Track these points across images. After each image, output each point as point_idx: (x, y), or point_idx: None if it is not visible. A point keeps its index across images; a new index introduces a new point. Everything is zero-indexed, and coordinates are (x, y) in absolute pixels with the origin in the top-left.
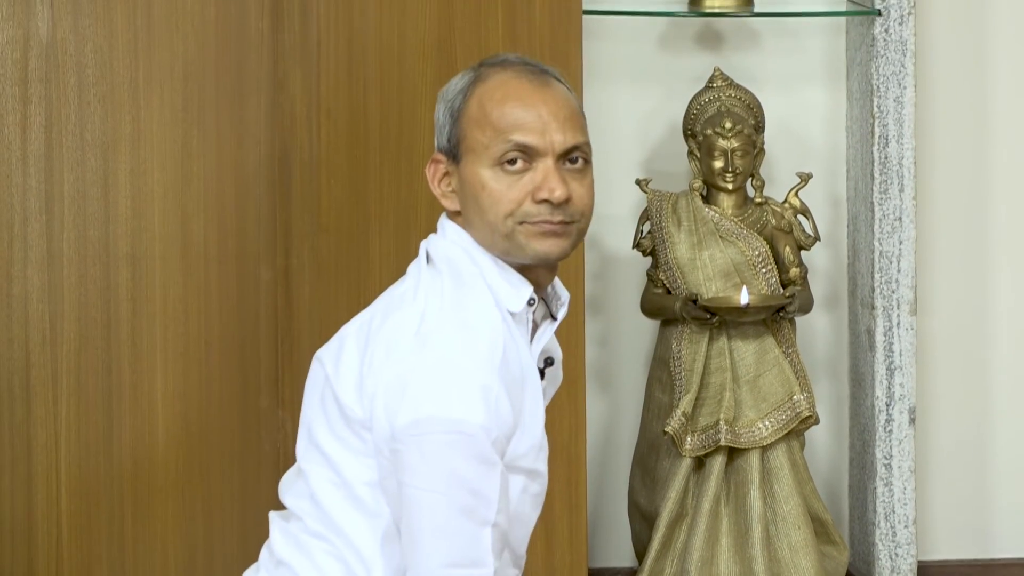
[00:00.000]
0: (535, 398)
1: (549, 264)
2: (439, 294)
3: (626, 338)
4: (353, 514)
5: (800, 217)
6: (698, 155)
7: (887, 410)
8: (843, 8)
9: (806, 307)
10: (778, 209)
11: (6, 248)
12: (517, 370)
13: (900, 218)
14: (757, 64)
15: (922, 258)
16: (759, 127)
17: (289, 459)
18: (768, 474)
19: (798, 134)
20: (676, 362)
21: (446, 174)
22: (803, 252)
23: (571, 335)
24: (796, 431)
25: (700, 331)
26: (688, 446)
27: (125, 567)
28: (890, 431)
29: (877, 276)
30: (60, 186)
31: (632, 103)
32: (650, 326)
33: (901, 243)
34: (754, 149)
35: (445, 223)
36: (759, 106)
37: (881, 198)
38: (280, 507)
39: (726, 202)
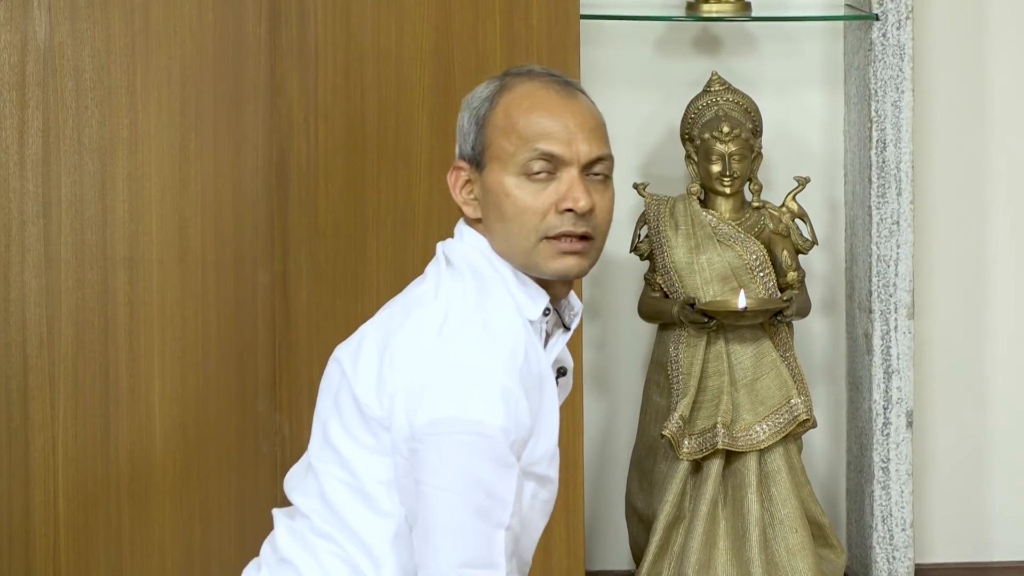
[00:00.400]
0: (552, 404)
1: (567, 281)
2: (461, 295)
3: (623, 342)
4: (364, 512)
5: (798, 221)
6: (696, 159)
7: (884, 413)
8: (841, 12)
9: (803, 311)
10: (776, 213)
11: (3, 252)
12: (536, 374)
13: (898, 222)
14: (755, 68)
15: (919, 262)
16: (757, 131)
17: (287, 462)
18: (765, 477)
19: (796, 138)
20: (673, 366)
21: (468, 181)
22: (801, 256)
23: (569, 338)
24: (793, 434)
25: (698, 335)
26: (685, 449)
27: (122, 570)
28: (887, 434)
29: (874, 280)
30: (57, 190)
31: (630, 107)
32: (647, 330)
33: (898, 247)
34: (752, 153)
35: (464, 228)
36: (757, 110)
37: (879, 202)
38: (285, 502)
39: (724, 206)
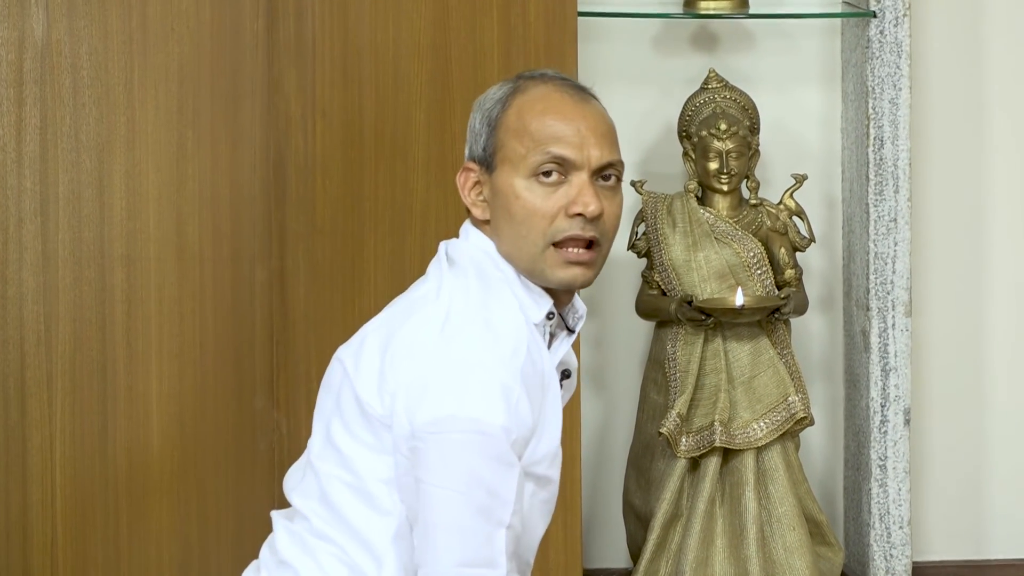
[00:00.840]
0: (555, 405)
1: (572, 289)
2: (464, 293)
3: (621, 339)
4: (365, 511)
5: (795, 218)
6: (693, 157)
7: (882, 411)
8: (838, 10)
9: (801, 308)
10: (773, 210)
11: (1, 250)
12: (539, 374)
13: (895, 219)
14: (752, 66)
15: (917, 260)
16: (754, 128)
17: (284, 459)
18: (763, 475)
19: (793, 136)
20: (671, 363)
21: (477, 183)
22: (798, 253)
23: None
24: (791, 432)
25: (695, 332)
26: (683, 447)
27: (120, 568)
28: (885, 432)
29: (872, 277)
30: (55, 187)
31: (627, 105)
32: (645, 327)
33: (896, 244)
34: (749, 151)
35: (470, 229)
36: (754, 108)
37: (876, 200)
38: (282, 499)
39: (721, 204)
